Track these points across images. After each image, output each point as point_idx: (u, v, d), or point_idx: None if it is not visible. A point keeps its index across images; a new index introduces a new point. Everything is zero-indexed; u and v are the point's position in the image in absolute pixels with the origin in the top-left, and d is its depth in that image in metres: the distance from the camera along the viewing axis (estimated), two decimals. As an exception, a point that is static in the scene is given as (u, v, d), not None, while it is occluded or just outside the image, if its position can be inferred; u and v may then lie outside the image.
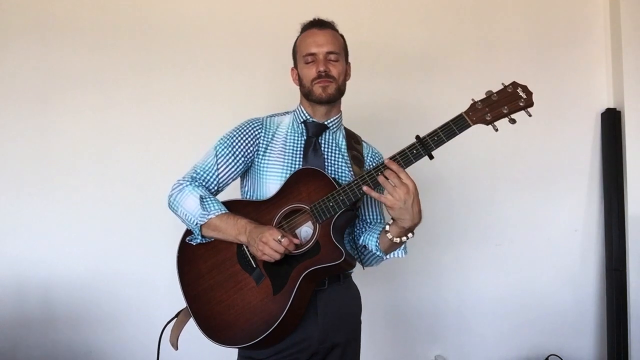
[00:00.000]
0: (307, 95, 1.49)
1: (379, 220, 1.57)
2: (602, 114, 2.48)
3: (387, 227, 1.37)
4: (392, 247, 1.42)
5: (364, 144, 1.61)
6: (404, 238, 1.37)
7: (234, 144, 1.48)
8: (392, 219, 1.35)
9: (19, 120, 2.23)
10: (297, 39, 1.53)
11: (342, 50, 1.50)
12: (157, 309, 2.20)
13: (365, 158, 1.57)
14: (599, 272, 2.48)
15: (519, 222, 2.45)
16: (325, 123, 1.52)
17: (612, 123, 2.44)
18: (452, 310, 2.42)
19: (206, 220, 1.40)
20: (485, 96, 1.32)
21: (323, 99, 1.46)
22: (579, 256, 2.48)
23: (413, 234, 1.37)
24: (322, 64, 1.44)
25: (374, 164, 1.45)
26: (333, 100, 1.49)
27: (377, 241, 1.44)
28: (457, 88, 2.36)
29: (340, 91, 1.50)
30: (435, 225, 2.42)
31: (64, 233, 2.22)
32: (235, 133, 1.50)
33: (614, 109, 2.46)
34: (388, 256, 1.46)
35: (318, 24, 1.49)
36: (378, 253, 1.45)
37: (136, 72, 2.29)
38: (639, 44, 2.41)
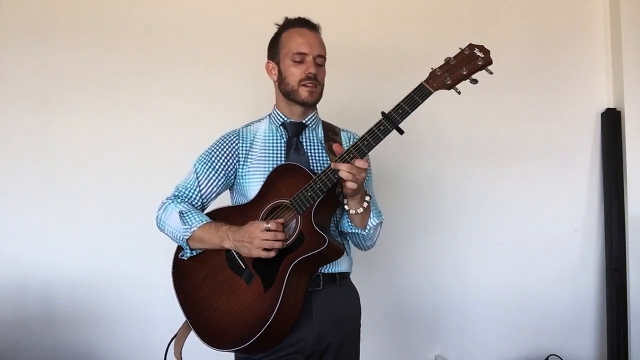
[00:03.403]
0: (288, 94, 1.48)
1: None
2: (602, 114, 2.48)
3: (346, 207, 1.41)
4: (363, 218, 1.44)
5: (343, 132, 1.61)
6: (364, 204, 1.40)
7: (213, 158, 1.50)
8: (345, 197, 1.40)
9: (19, 120, 2.24)
10: (280, 33, 1.50)
11: (325, 53, 1.51)
12: (157, 309, 2.21)
13: (345, 145, 1.56)
14: (599, 272, 2.48)
15: (519, 222, 2.45)
16: (304, 122, 1.53)
17: (612, 123, 2.43)
18: (452, 310, 2.42)
19: (190, 234, 1.41)
20: (443, 62, 1.33)
21: (309, 102, 1.47)
22: (579, 256, 2.48)
23: (369, 196, 1.42)
24: (313, 67, 1.44)
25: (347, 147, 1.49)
26: (316, 104, 1.51)
27: (347, 222, 1.47)
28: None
29: (322, 95, 1.51)
30: (435, 225, 2.42)
31: (64, 233, 2.22)
32: (212, 149, 1.52)
33: (614, 109, 2.46)
34: (366, 230, 1.47)
35: (308, 25, 1.49)
36: (354, 231, 1.47)
37: (136, 72, 2.29)
38: (639, 44, 2.41)
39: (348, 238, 1.55)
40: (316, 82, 1.46)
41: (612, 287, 2.40)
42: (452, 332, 2.43)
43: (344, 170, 1.30)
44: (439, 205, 2.43)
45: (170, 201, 1.49)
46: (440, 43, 2.42)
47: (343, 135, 1.60)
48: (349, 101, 2.28)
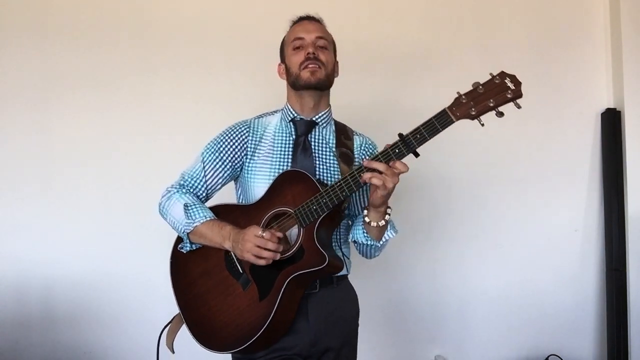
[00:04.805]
0: (294, 83, 1.44)
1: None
2: (602, 114, 2.48)
3: (367, 219, 1.37)
4: (381, 231, 1.40)
5: (356, 136, 1.57)
6: (387, 217, 1.37)
7: (221, 149, 1.47)
8: (368, 206, 1.36)
9: (19, 120, 2.24)
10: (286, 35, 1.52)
11: (331, 42, 1.49)
12: (157, 309, 2.20)
13: (356, 151, 1.53)
14: (599, 272, 2.48)
15: (519, 222, 2.45)
16: (314, 119, 1.49)
17: (612, 123, 2.43)
18: (452, 310, 2.42)
19: (192, 229, 1.39)
20: (470, 88, 1.25)
21: (312, 83, 1.41)
22: (579, 256, 2.48)
23: (390, 208, 1.37)
24: (311, 47, 1.42)
25: (358, 164, 1.45)
26: (321, 87, 1.43)
27: (364, 232, 1.42)
28: (457, 88, 2.35)
29: (329, 80, 1.46)
30: (436, 225, 2.42)
31: (64, 233, 2.22)
32: (222, 138, 1.48)
33: (614, 109, 2.46)
34: (381, 242, 1.44)
35: (307, 18, 1.49)
36: (369, 242, 1.43)
37: (136, 72, 2.29)
38: (639, 44, 2.41)
39: (356, 247, 1.52)
40: (318, 61, 1.41)
41: (612, 287, 2.40)
42: (452, 332, 2.43)
43: (379, 167, 1.25)
44: (438, 206, 2.42)
45: (175, 190, 1.46)
46: (441, 43, 2.44)
47: (355, 139, 1.56)
48: (347, 102, 2.27)
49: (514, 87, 1.23)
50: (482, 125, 1.24)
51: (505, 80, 1.24)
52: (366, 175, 1.26)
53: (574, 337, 2.47)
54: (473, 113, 1.23)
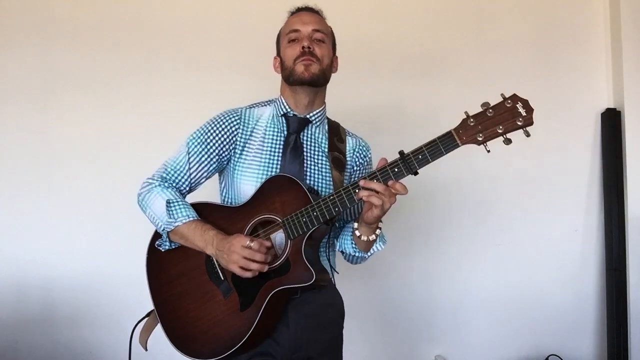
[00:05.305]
0: (287, 78, 1.37)
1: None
2: (602, 114, 2.48)
3: (357, 232, 1.33)
4: (370, 244, 1.37)
5: (349, 138, 1.51)
6: (378, 231, 1.33)
7: (208, 140, 1.38)
8: (360, 220, 1.31)
9: (20, 120, 2.24)
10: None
11: (329, 35, 1.43)
12: (157, 309, 2.21)
13: (349, 155, 1.48)
14: (599, 272, 2.48)
15: (519, 222, 2.45)
16: (308, 117, 1.42)
17: (612, 123, 2.43)
18: (452, 310, 2.42)
19: (172, 228, 1.32)
20: (480, 110, 1.17)
21: (305, 78, 1.34)
22: (579, 256, 2.48)
23: (382, 222, 1.33)
24: (307, 40, 1.35)
25: (353, 181, 1.38)
26: (316, 83, 1.36)
27: (352, 244, 1.39)
28: (457, 88, 2.36)
29: (325, 76, 1.39)
30: (436, 225, 2.42)
31: (64, 233, 2.23)
32: (209, 127, 1.40)
33: (614, 109, 2.46)
34: (369, 253, 1.41)
35: (305, 9, 1.44)
36: (357, 254, 1.40)
37: (136, 71, 2.29)
38: (639, 44, 2.41)
39: (343, 255, 1.48)
40: (313, 56, 1.34)
41: (612, 287, 2.40)
42: (452, 332, 2.43)
43: (377, 189, 1.19)
44: (439, 206, 2.42)
45: (157, 183, 1.38)
46: (441, 43, 2.44)
47: (348, 141, 1.50)
48: (347, 102, 2.27)
49: (525, 114, 1.15)
50: (488, 151, 1.18)
51: (517, 105, 1.15)
52: (363, 193, 1.20)
53: (574, 337, 2.46)
54: (480, 139, 1.17)
